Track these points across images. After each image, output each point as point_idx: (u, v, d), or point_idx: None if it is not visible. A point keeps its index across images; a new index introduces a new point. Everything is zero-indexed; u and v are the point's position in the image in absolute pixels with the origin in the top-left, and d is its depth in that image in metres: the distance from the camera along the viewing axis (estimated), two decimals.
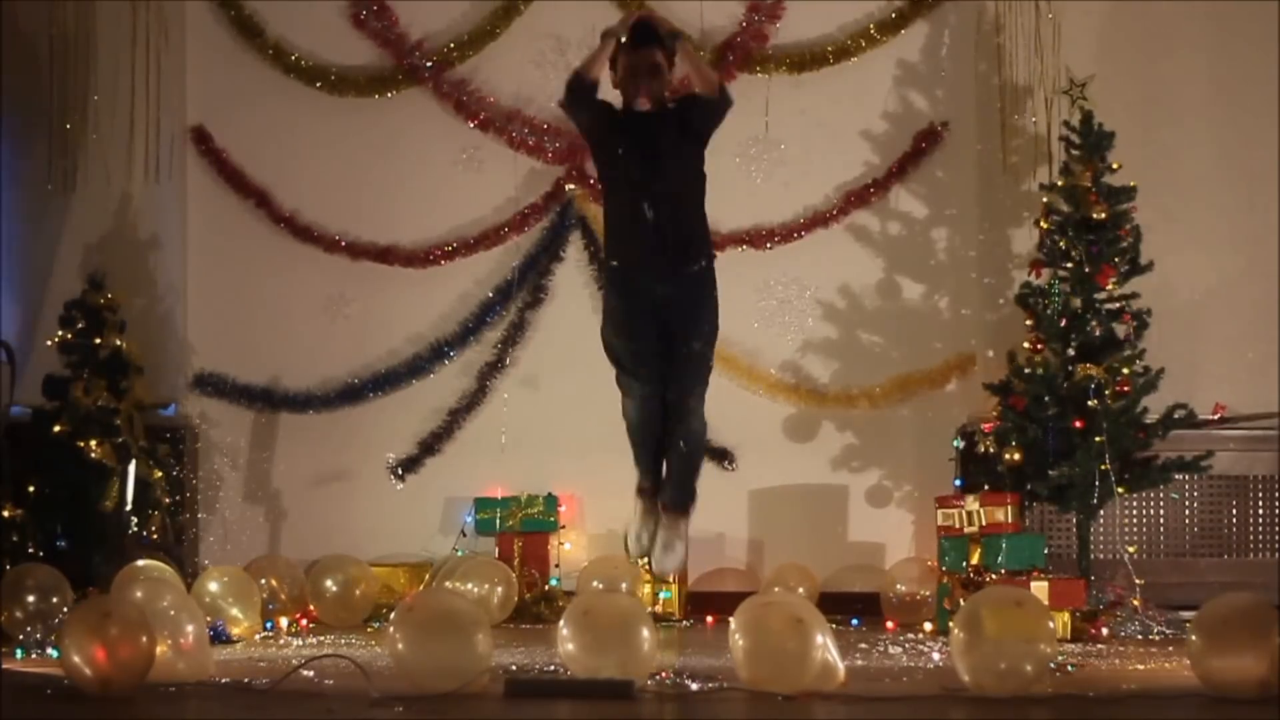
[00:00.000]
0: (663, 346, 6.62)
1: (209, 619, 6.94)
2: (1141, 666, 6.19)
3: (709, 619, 8.11)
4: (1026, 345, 7.80)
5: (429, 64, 8.75)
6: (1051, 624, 5.35)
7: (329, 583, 8.07)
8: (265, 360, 8.83)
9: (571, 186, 8.73)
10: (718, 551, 8.44)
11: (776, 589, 7.94)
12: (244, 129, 8.87)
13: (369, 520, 8.68)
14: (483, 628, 5.39)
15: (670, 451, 6.68)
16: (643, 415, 6.67)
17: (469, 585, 7.88)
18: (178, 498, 8.46)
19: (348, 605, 8.06)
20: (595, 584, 8.08)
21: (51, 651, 6.30)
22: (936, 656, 6.44)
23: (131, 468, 8.03)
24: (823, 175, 8.70)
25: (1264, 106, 8.40)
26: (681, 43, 6.70)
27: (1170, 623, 7.23)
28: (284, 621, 7.73)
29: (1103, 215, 7.71)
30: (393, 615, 5.50)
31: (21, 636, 6.65)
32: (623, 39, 6.59)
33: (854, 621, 7.96)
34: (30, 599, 6.74)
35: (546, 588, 8.28)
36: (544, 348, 8.73)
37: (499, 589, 7.95)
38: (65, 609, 6.65)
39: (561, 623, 5.47)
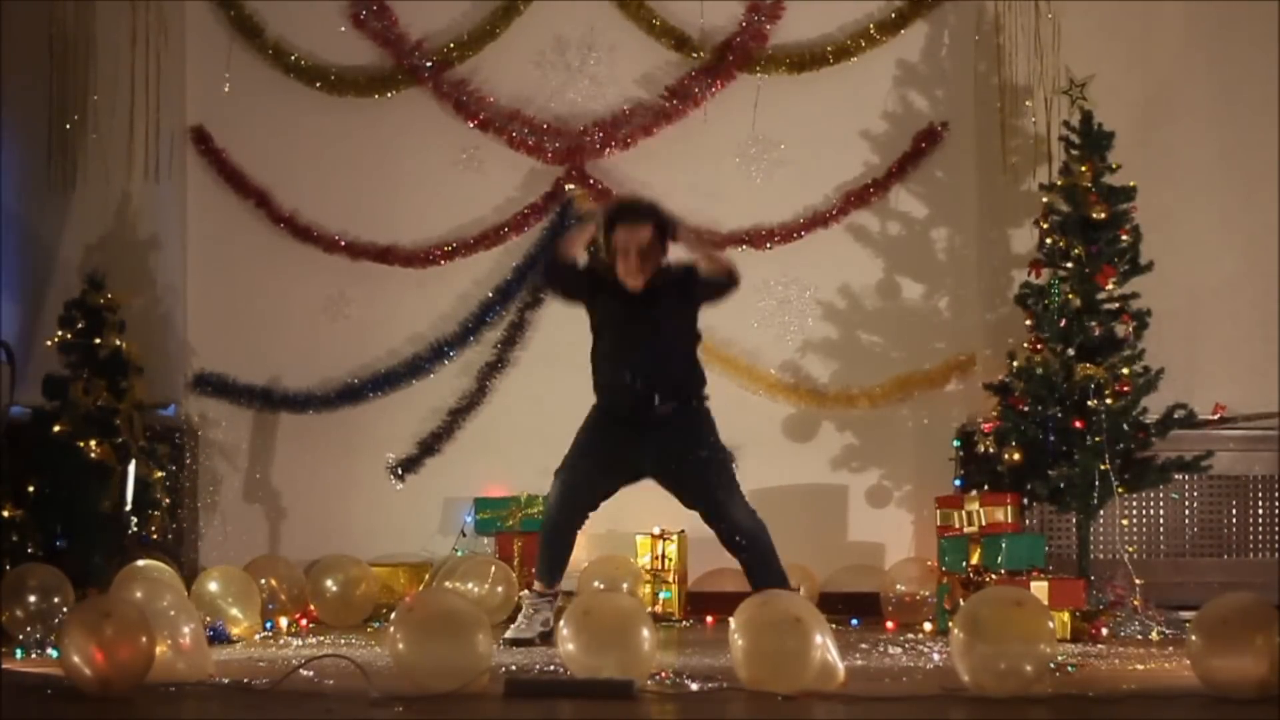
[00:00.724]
0: (651, 472, 6.96)
1: (209, 619, 6.95)
2: (1141, 666, 6.18)
3: (709, 619, 8.11)
4: (1026, 345, 7.79)
5: (429, 64, 8.75)
6: (1051, 624, 5.35)
7: (329, 583, 8.06)
8: (265, 360, 8.83)
9: (571, 186, 8.72)
10: (718, 551, 8.40)
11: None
12: (244, 129, 8.87)
13: (369, 520, 8.68)
14: (483, 628, 5.39)
15: (736, 553, 6.96)
16: (561, 507, 6.98)
17: (469, 585, 7.88)
18: (178, 498, 8.46)
19: (348, 605, 8.06)
20: (596, 584, 8.07)
21: (51, 652, 6.30)
22: (936, 656, 6.43)
23: (131, 468, 8.02)
24: (823, 175, 8.70)
25: (1264, 106, 8.40)
26: (683, 231, 6.90)
27: (1170, 623, 7.23)
28: (284, 621, 7.72)
29: (1103, 215, 7.71)
30: (393, 615, 5.50)
31: (21, 637, 6.64)
32: (610, 218, 6.82)
33: (854, 621, 7.96)
34: (31, 599, 6.74)
35: None
36: (544, 348, 8.73)
37: (499, 589, 7.95)
38: (66, 609, 6.65)
39: (561, 623, 5.47)
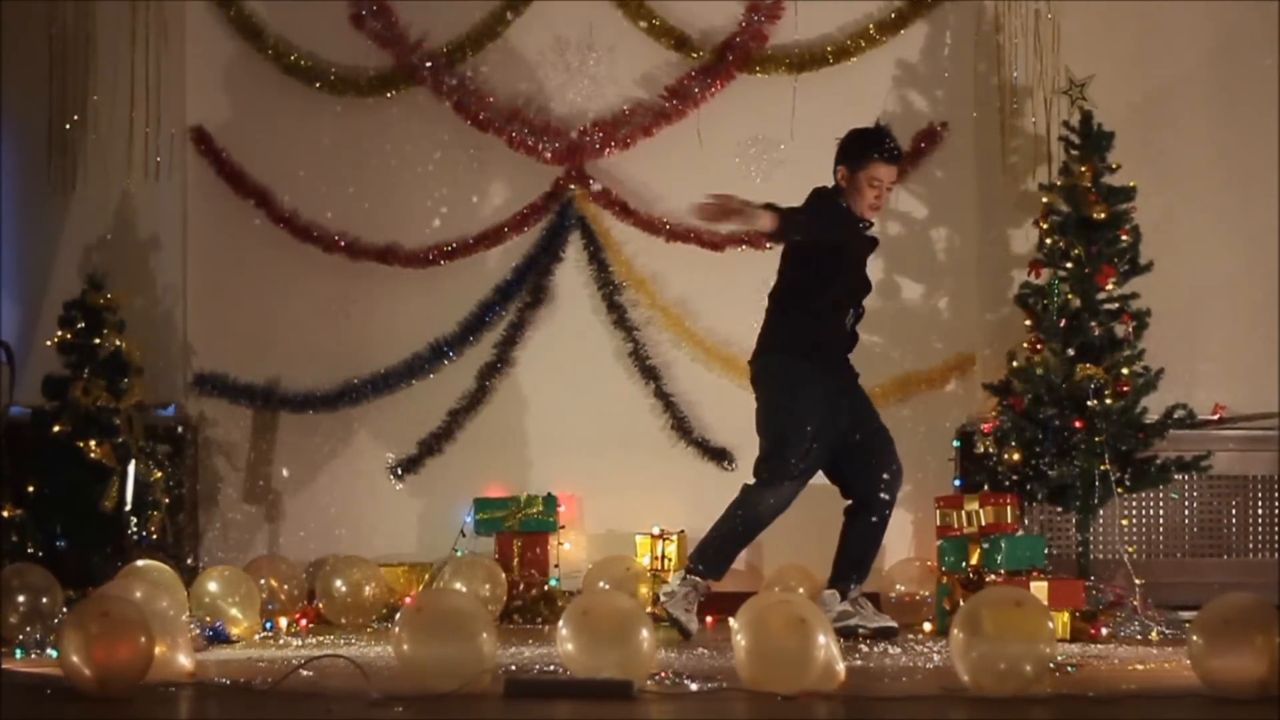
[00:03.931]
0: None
1: (209, 619, 6.95)
2: (1141, 666, 6.18)
3: (709, 619, 8.10)
4: (1026, 345, 7.79)
5: (429, 64, 8.74)
6: (1051, 624, 5.35)
7: (339, 583, 8.06)
8: (265, 360, 8.82)
9: (572, 187, 8.72)
10: None
11: (776, 589, 7.93)
12: (244, 129, 8.86)
13: (369, 520, 8.68)
14: (488, 627, 5.40)
15: (874, 513, 7.16)
16: (786, 506, 7.15)
17: (456, 585, 7.87)
18: (178, 498, 8.46)
19: (358, 605, 8.05)
20: (602, 584, 8.05)
21: (50, 651, 6.29)
22: (936, 657, 6.43)
23: (131, 468, 8.02)
24: (823, 175, 8.66)
25: (1264, 106, 8.40)
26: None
27: (1170, 623, 7.22)
28: (284, 621, 7.73)
29: (1103, 215, 7.71)
30: (397, 616, 5.49)
31: (21, 637, 6.63)
32: (875, 148, 7.09)
33: None
34: (20, 599, 6.71)
35: (546, 588, 8.27)
36: (544, 348, 8.73)
37: (486, 588, 7.94)
38: (60, 609, 6.64)
39: (561, 623, 5.47)
